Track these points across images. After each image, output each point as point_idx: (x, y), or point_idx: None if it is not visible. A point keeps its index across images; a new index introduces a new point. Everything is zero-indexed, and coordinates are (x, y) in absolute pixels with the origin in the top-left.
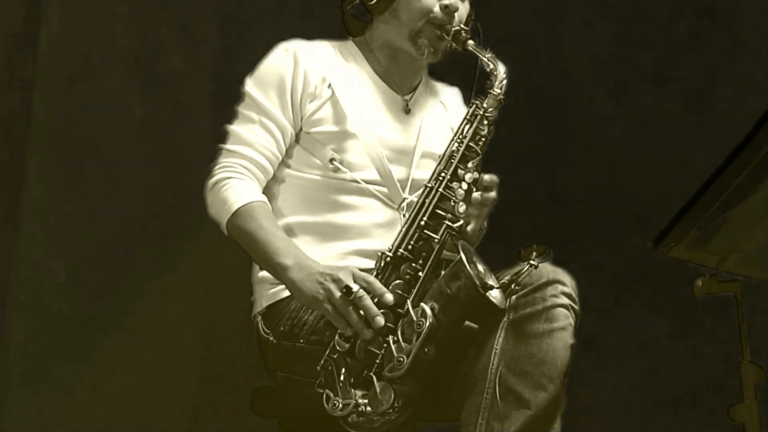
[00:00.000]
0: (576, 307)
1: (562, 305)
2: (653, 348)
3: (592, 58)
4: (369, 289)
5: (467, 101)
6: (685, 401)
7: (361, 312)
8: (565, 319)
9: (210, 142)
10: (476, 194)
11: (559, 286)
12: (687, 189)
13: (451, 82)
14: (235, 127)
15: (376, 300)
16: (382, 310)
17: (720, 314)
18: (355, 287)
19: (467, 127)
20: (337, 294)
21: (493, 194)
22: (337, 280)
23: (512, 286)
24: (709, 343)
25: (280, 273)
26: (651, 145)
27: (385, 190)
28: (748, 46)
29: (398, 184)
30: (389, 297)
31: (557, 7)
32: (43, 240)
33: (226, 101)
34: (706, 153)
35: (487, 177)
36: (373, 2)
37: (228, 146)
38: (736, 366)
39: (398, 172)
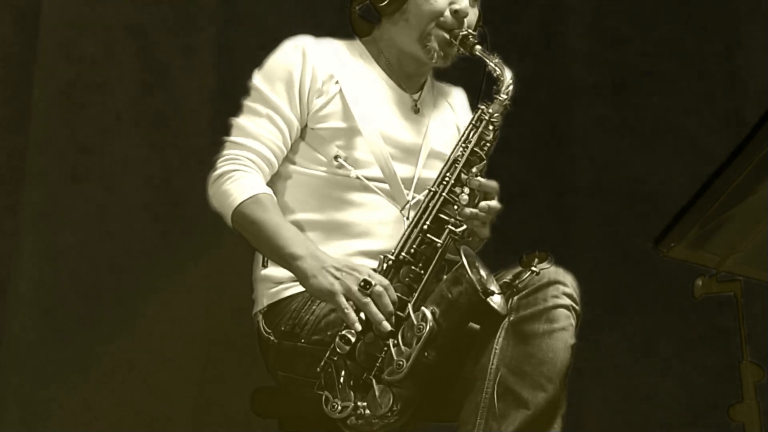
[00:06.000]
0: (577, 307)
1: (563, 306)
2: (653, 348)
3: (592, 57)
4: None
5: (473, 106)
6: (685, 401)
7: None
8: (565, 319)
9: (211, 140)
10: (471, 210)
11: (561, 287)
12: (688, 189)
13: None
14: (240, 120)
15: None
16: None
17: (720, 314)
18: (373, 281)
19: (472, 132)
20: (355, 287)
21: (494, 202)
22: (353, 273)
23: (513, 288)
24: (709, 343)
25: (290, 263)
26: (651, 146)
27: (387, 187)
28: (748, 46)
29: (401, 183)
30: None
31: (558, 8)
32: (43, 240)
33: (227, 101)
34: (706, 153)
35: (484, 181)
36: (383, 4)
37: (233, 138)
38: (736, 366)
39: (404, 170)
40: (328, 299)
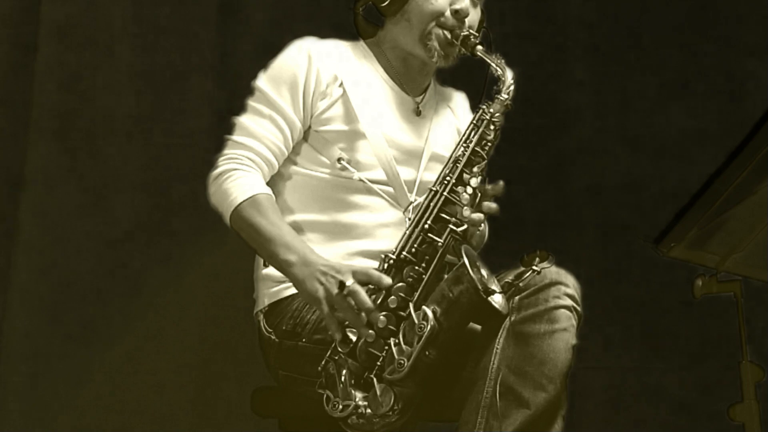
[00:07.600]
0: (578, 308)
1: (565, 306)
2: (653, 348)
3: (592, 59)
4: (367, 280)
5: (474, 106)
6: (686, 401)
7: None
8: (567, 320)
9: (211, 139)
10: (478, 216)
11: (562, 287)
12: (688, 188)
13: (458, 86)
14: (243, 120)
15: (371, 289)
16: (384, 312)
17: (720, 314)
18: (349, 282)
19: (473, 131)
20: (335, 290)
21: (494, 205)
22: (336, 276)
23: (514, 287)
24: (709, 343)
25: (284, 269)
26: (651, 147)
27: (390, 190)
28: (746, 42)
29: (405, 186)
30: (387, 280)
31: (557, 7)
32: (43, 241)
33: (226, 100)
34: (707, 153)
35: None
36: (385, 4)
37: (235, 137)
38: (736, 366)
39: (406, 173)
40: (316, 305)
